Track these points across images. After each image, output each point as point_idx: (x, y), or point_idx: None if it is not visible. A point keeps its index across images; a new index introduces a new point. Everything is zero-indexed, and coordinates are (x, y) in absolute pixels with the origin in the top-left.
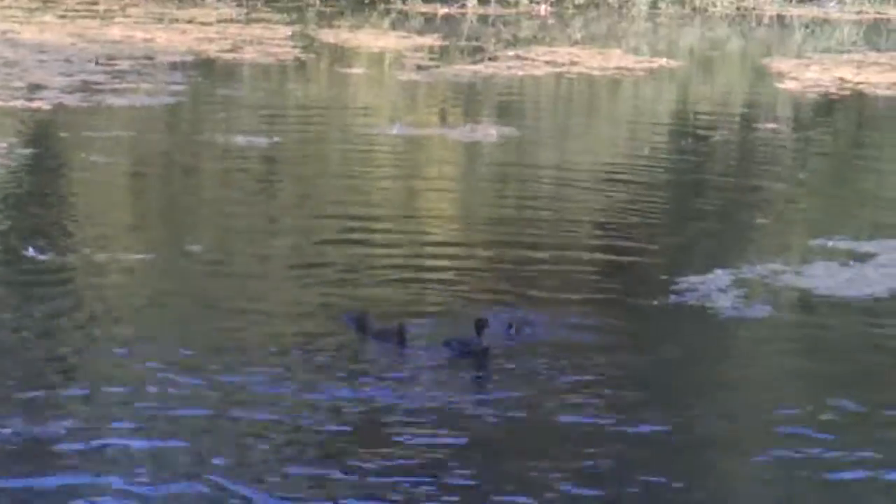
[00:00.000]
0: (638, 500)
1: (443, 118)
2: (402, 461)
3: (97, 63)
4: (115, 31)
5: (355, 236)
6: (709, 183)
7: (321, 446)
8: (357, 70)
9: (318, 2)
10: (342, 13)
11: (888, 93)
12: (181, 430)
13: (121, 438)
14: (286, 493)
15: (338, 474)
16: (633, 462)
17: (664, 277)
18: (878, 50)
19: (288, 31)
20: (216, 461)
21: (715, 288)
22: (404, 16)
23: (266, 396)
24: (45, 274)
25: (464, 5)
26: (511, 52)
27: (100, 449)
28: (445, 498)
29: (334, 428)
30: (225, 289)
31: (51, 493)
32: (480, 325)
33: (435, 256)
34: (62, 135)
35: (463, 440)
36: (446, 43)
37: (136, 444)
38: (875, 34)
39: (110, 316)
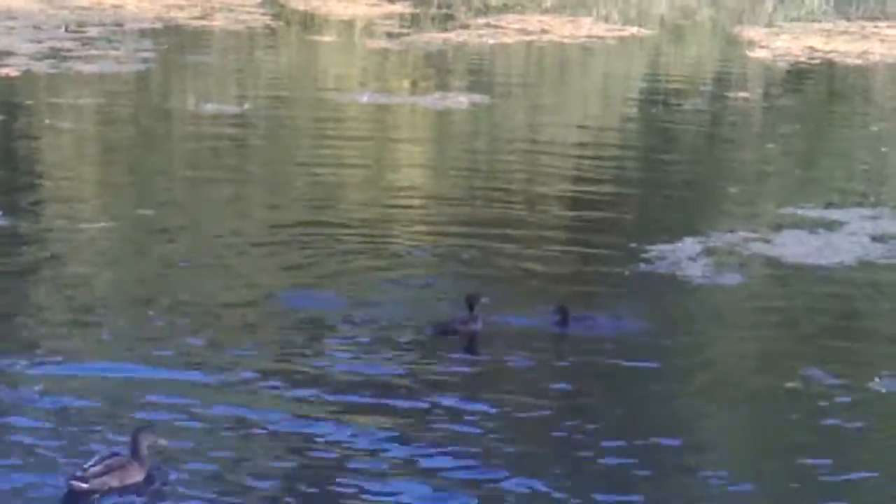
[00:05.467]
0: (607, 469)
1: (413, 86)
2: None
3: (66, 30)
4: None
5: (321, 204)
6: (678, 151)
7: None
8: (327, 38)
9: None
10: None
11: (857, 62)
12: (132, 394)
13: (76, 399)
14: (251, 466)
15: (294, 465)
16: (600, 429)
17: (634, 245)
18: (848, 19)
19: None
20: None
21: (685, 256)
22: None
23: (212, 362)
24: (3, 236)
25: None
26: (482, 20)
27: (55, 412)
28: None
29: (296, 401)
30: (179, 254)
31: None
32: (472, 300)
33: (403, 229)
34: (29, 102)
35: (449, 410)
36: (417, 11)
37: (90, 405)
38: (845, 3)
39: (64, 279)
